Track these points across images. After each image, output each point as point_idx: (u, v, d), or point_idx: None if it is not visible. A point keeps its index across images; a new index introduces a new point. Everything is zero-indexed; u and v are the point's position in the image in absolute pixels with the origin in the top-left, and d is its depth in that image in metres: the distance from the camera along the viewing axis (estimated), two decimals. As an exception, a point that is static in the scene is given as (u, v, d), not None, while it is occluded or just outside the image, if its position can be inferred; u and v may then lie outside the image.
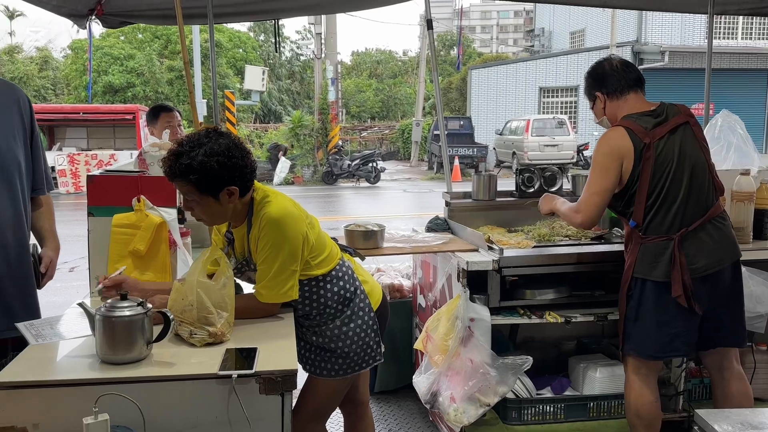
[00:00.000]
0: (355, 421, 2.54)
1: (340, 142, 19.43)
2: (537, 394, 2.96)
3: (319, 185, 17.11)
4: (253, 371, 1.59)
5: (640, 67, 21.86)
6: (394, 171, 20.53)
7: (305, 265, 2.07)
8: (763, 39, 23.26)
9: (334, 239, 2.34)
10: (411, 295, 3.73)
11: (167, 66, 25.07)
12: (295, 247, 2.01)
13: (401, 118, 31.24)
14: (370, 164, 16.94)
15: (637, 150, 2.40)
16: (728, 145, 3.29)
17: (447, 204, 3.56)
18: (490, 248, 2.84)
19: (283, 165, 17.12)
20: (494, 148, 20.92)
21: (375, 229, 3.06)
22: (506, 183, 3.75)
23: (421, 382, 2.86)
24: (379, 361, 2.30)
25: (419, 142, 22.59)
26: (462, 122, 20.75)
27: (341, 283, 2.17)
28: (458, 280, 2.79)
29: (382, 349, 2.31)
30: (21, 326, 1.90)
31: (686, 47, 21.23)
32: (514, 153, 19.21)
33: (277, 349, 1.76)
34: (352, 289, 2.21)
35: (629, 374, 2.57)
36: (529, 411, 2.87)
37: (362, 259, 2.51)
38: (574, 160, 18.49)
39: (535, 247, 2.92)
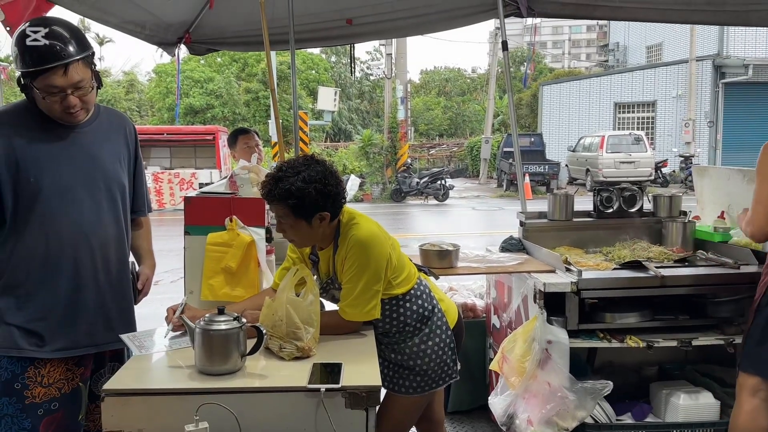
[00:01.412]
0: (431, 440, 2.56)
1: (409, 160, 19.57)
2: (617, 420, 2.89)
3: (388, 203, 17.27)
4: (339, 386, 1.66)
5: (721, 81, 21.02)
6: (462, 188, 20.45)
7: (387, 284, 2.13)
8: None
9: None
10: (484, 314, 3.72)
11: (244, 88, 26.11)
12: (379, 268, 2.08)
13: (470, 135, 31.17)
14: (439, 182, 16.97)
15: None
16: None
17: (522, 224, 3.54)
18: (568, 270, 2.82)
19: (353, 182, 17.41)
20: (567, 165, 20.51)
21: (450, 248, 3.09)
22: (581, 201, 3.69)
23: (497, 403, 2.86)
24: (455, 378, 2.33)
25: (488, 160, 22.44)
26: (533, 139, 20.47)
27: (420, 302, 2.22)
28: (535, 302, 2.78)
29: (458, 367, 2.34)
30: (125, 338, 2.04)
31: (773, 60, 20.21)
32: (587, 170, 18.78)
33: (361, 365, 1.83)
34: (430, 307, 2.25)
35: (743, 396, 2.44)
36: (609, 437, 2.81)
37: (436, 278, 2.56)
38: (652, 177, 17.87)
39: (615, 269, 2.87)
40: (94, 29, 35.50)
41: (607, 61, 35.72)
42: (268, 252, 2.52)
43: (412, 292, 2.22)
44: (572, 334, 2.73)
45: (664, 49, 26.78)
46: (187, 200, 2.30)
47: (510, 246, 3.45)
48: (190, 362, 1.78)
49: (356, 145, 21.72)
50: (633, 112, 23.81)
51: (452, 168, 24.85)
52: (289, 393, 1.66)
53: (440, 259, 3.05)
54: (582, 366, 3.02)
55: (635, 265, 2.85)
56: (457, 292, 3.94)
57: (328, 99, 17.77)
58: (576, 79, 27.10)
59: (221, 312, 1.76)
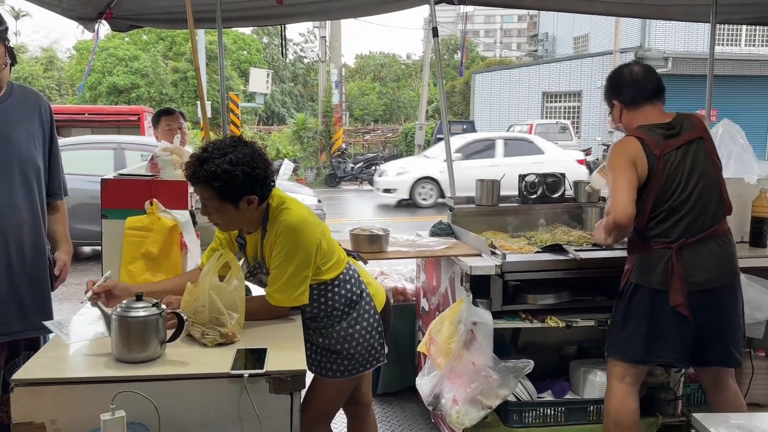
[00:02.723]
0: (358, 422, 2.59)
1: (344, 145, 19.52)
2: (538, 397, 3.00)
3: (322, 187, 17.17)
4: (263, 371, 1.65)
5: (643, 72, 21.93)
6: (396, 174, 20.54)
7: (316, 270, 2.12)
8: (766, 46, 23.30)
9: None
10: (414, 298, 3.78)
11: (172, 67, 25.18)
12: (309, 253, 2.06)
13: (404, 121, 31.26)
14: (374, 167, 17.00)
15: (649, 160, 2.41)
16: (728, 153, 3.34)
17: (450, 209, 3.60)
18: (493, 253, 2.89)
19: (287, 167, 17.15)
20: (497, 152, 20.97)
21: (380, 233, 3.11)
22: (509, 188, 3.78)
23: (423, 384, 2.91)
24: (382, 362, 2.36)
25: (422, 146, 22.64)
26: (465, 126, 20.80)
27: (348, 287, 2.23)
28: (461, 284, 2.84)
29: (386, 350, 2.37)
30: (50, 326, 1.93)
31: (690, 53, 21.26)
32: (516, 157, 19.27)
33: (286, 350, 1.82)
34: (358, 292, 2.26)
35: (612, 381, 2.58)
36: (530, 414, 2.92)
37: (365, 263, 2.57)
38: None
39: (537, 252, 2.97)
40: (8, 1, 33.33)
41: (536, 51, 36.65)
42: (193, 237, 2.45)
43: (341, 277, 2.22)
44: (496, 315, 2.81)
45: (591, 41, 27.69)
46: (104, 182, 2.21)
47: (439, 231, 3.51)
48: (107, 350, 1.72)
49: (290, 129, 21.43)
50: (560, 101, 24.57)
51: (387, 153, 24.90)
52: (211, 379, 1.63)
53: (370, 244, 3.07)
54: (506, 346, 3.12)
55: (556, 248, 2.96)
56: (388, 276, 3.98)
57: (260, 81, 17.41)
58: (507, 68, 27.68)
59: (139, 298, 1.71)
